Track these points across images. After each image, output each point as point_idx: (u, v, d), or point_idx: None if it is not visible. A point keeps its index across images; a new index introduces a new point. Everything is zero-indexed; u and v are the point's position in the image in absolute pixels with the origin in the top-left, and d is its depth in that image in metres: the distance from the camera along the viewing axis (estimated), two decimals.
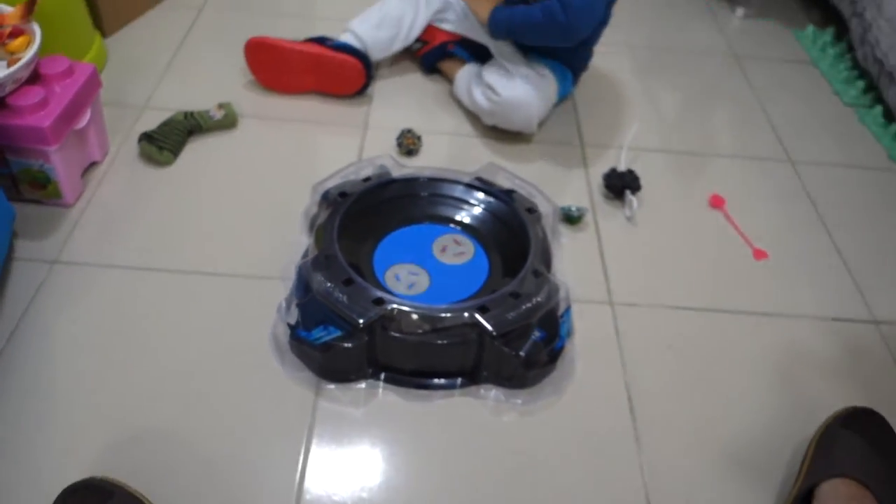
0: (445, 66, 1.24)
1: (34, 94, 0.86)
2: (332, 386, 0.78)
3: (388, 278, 0.87)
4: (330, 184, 0.95)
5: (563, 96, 1.20)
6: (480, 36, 1.17)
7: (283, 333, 0.80)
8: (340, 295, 0.78)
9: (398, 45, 1.21)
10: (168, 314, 0.84)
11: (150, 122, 1.07)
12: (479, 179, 0.97)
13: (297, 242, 0.92)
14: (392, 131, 1.12)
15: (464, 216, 0.96)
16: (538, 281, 0.82)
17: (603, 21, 1.10)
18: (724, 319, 0.91)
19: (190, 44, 1.29)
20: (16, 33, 0.89)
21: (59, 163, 0.90)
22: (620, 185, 1.05)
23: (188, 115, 1.07)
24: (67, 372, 0.77)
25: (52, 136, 0.87)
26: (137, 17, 1.33)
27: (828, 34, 1.51)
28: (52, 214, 0.94)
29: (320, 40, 1.17)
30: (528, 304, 0.79)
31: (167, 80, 1.20)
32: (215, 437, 0.73)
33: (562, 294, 0.84)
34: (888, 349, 0.90)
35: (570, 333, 0.85)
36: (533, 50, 1.13)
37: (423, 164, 1.07)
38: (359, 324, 0.76)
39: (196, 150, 1.07)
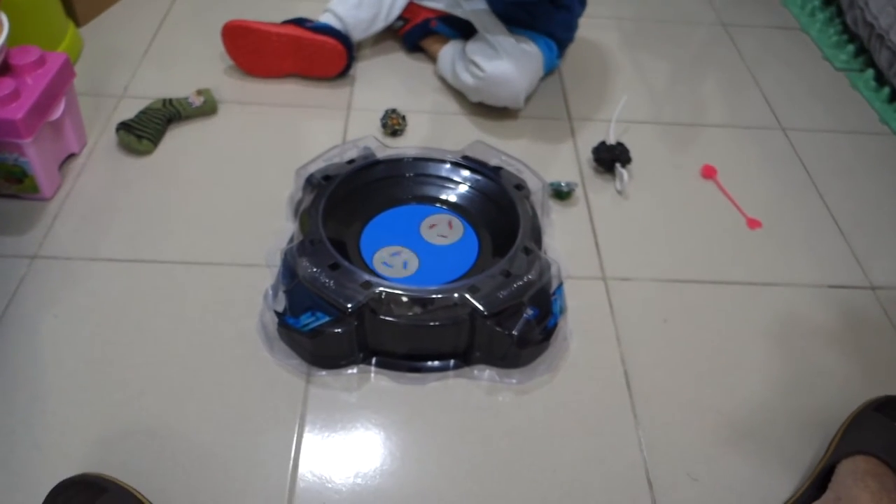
0: (428, 43, 1.22)
1: (5, 85, 0.84)
2: (323, 372, 0.77)
3: (376, 261, 0.85)
4: (313, 167, 0.93)
5: (550, 70, 1.18)
6: (462, 10, 1.14)
7: (272, 321, 0.79)
8: (327, 280, 0.76)
9: (379, 25, 1.19)
10: (153, 306, 0.82)
11: (129, 111, 1.04)
12: (466, 157, 0.95)
13: (283, 229, 0.91)
14: (376, 112, 1.10)
15: (451, 195, 0.94)
16: (529, 258, 0.81)
17: None
18: (719, 291, 0.90)
19: (167, 30, 1.26)
20: None
21: (35, 156, 0.88)
22: (610, 158, 1.03)
23: (167, 103, 1.05)
24: (53, 368, 0.75)
25: (25, 128, 0.84)
26: (112, 5, 1.30)
27: None
28: (30, 209, 0.92)
29: (299, 22, 1.14)
30: (519, 283, 0.78)
31: (144, 68, 1.17)
32: (206, 429, 0.71)
33: (553, 271, 0.83)
34: (886, 315, 0.89)
35: (562, 310, 0.84)
36: (517, 22, 1.10)
37: (408, 143, 1.06)
38: (347, 308, 0.74)
39: (176, 139, 1.04)
